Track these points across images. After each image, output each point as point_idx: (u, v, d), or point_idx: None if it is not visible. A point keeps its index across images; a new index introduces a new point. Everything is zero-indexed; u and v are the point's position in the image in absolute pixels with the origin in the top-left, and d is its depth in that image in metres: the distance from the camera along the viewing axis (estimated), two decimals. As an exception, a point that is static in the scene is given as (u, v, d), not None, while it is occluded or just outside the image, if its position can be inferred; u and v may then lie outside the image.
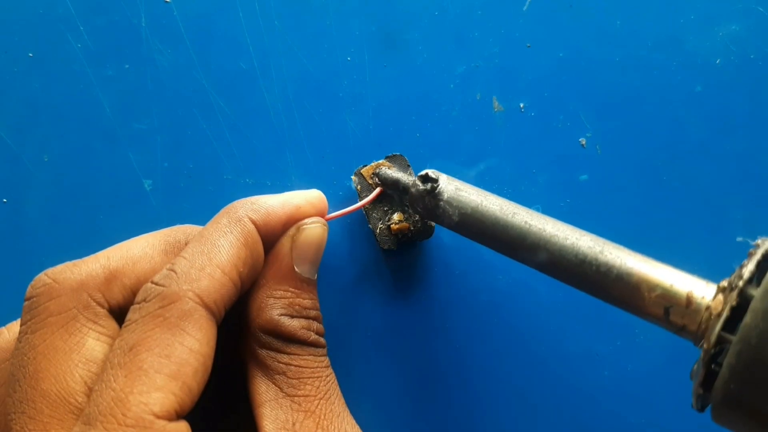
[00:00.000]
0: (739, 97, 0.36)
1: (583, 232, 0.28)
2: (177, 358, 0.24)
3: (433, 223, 0.35)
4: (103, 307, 0.27)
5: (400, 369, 0.35)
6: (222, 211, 0.30)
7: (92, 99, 0.37)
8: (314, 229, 0.31)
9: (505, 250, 0.29)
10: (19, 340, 0.26)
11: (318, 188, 0.36)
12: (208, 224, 0.29)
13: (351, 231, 0.36)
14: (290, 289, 0.30)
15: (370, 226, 0.35)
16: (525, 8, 0.37)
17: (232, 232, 0.28)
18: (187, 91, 0.37)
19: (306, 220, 0.31)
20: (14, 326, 0.30)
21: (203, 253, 0.27)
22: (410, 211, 0.34)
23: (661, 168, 0.35)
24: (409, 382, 0.35)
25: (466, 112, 0.36)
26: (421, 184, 0.30)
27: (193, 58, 0.37)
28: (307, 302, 0.30)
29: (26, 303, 0.27)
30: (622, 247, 0.27)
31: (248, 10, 0.37)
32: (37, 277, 0.27)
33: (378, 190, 0.35)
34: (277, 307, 0.29)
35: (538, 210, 0.36)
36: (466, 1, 0.37)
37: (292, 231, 0.31)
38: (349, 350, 0.35)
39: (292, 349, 0.29)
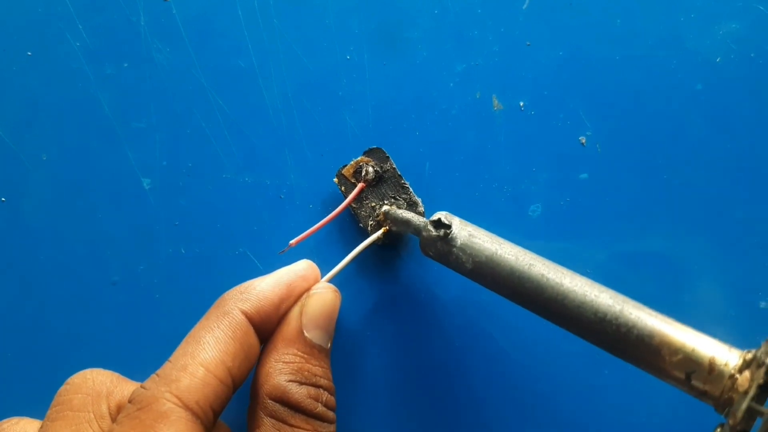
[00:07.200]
0: (739, 96, 0.35)
1: (602, 288, 0.27)
2: None
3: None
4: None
5: (396, 366, 0.35)
6: (213, 304, 0.29)
7: (91, 97, 0.37)
8: (323, 294, 0.31)
9: (521, 301, 0.28)
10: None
11: (316, 186, 0.36)
12: (199, 321, 0.29)
13: (341, 228, 0.36)
14: (298, 352, 0.29)
15: (361, 225, 0.35)
16: (525, 7, 0.36)
17: (218, 327, 0.28)
18: (185, 89, 0.37)
19: (316, 286, 0.31)
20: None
21: (186, 353, 0.27)
22: (393, 202, 0.34)
23: (661, 166, 0.35)
24: (406, 381, 0.35)
25: (465, 111, 0.36)
26: (433, 230, 0.29)
27: (192, 57, 0.37)
28: (317, 369, 0.29)
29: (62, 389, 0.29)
30: (642, 306, 0.26)
31: (247, 8, 0.37)
32: (81, 372, 0.29)
33: (360, 185, 0.34)
34: (285, 372, 0.29)
35: (538, 209, 0.36)
36: (466, 0, 0.37)
37: (302, 297, 0.31)
38: (344, 347, 0.35)
39: (297, 421, 0.28)
